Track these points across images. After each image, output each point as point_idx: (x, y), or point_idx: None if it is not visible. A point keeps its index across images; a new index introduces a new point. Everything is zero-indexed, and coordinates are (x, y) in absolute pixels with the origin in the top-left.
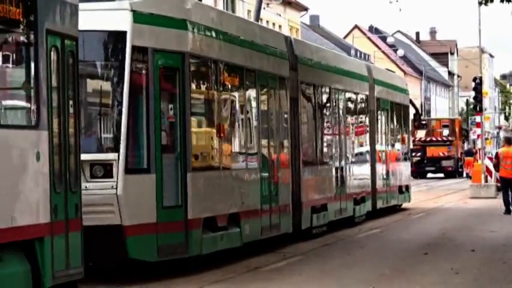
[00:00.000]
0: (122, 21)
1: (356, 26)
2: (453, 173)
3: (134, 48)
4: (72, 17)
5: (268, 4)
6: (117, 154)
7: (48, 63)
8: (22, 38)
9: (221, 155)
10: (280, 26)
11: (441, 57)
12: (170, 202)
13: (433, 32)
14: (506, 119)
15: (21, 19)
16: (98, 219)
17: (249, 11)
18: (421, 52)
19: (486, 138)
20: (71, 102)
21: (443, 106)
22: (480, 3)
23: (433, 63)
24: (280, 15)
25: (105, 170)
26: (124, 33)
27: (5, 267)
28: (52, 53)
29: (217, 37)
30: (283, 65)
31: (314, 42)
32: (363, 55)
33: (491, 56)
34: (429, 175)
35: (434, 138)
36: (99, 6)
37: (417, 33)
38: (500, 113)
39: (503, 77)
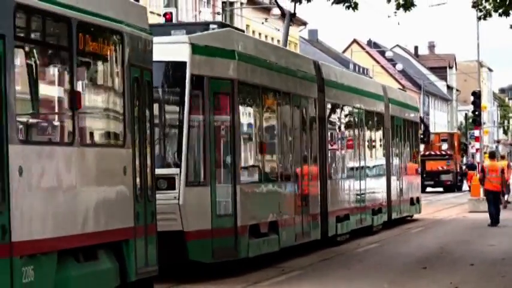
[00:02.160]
0: (182, 53)
1: (355, 41)
2: (452, 187)
3: (193, 77)
4: (147, 51)
5: (266, 19)
6: (179, 169)
7: (131, 92)
8: (111, 71)
9: (263, 170)
10: (278, 41)
11: (440, 71)
12: (222, 211)
13: (431, 46)
14: (505, 132)
15: (112, 55)
16: (163, 225)
17: (247, 26)
18: (419, 66)
19: (485, 152)
20: (147, 124)
21: (442, 120)
22: (479, 18)
23: (432, 77)
24: (278, 29)
25: (169, 183)
26: (184, 63)
27: (101, 264)
28: (134, 83)
29: (259, 64)
30: (312, 87)
31: (313, 56)
32: (361, 69)
33: (489, 70)
34: (428, 189)
35: (433, 152)
36: (164, 40)
37: (416, 48)
38: (499, 127)
39: (502, 91)
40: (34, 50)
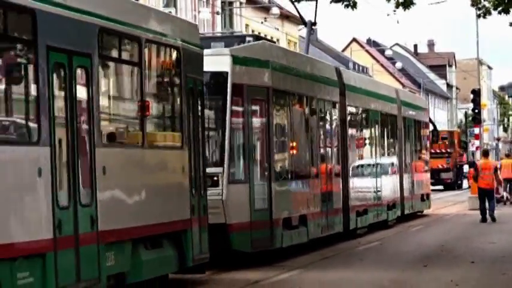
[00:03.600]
0: (224, 64)
1: (354, 39)
2: (452, 185)
3: (233, 85)
4: (199, 63)
5: (266, 18)
6: (222, 168)
7: (187, 100)
8: (173, 82)
9: (294, 168)
10: (278, 40)
11: (439, 70)
12: (259, 205)
13: (431, 45)
14: (505, 130)
15: (172, 68)
16: (208, 218)
17: (247, 25)
18: (419, 64)
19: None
20: (200, 128)
21: (441, 118)
22: (478, 16)
23: (432, 75)
24: (278, 29)
25: (213, 181)
26: (226, 73)
27: (165, 251)
28: (189, 92)
29: (289, 72)
30: (334, 92)
31: (312, 55)
32: (361, 68)
33: (489, 67)
34: None
35: (433, 151)
36: (208, 52)
37: (415, 46)
38: (498, 125)
39: (502, 88)
40: (113, 65)
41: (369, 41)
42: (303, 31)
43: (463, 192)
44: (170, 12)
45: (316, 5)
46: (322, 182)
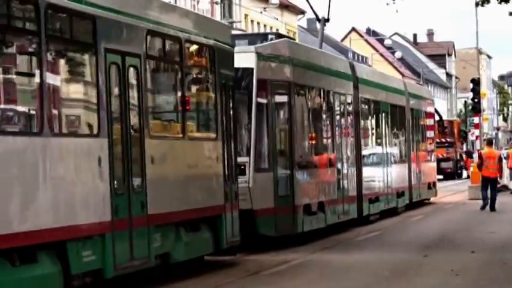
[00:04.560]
0: (250, 61)
1: (353, 29)
2: (452, 175)
3: (258, 80)
4: (230, 60)
5: (265, 8)
6: (248, 158)
7: (221, 95)
8: (208, 79)
9: (313, 157)
10: (277, 30)
11: (439, 59)
12: (282, 192)
13: (430, 34)
14: (505, 120)
15: (207, 65)
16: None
17: (246, 15)
18: (418, 54)
19: (484, 140)
20: (231, 121)
21: (441, 108)
22: (477, 4)
23: (431, 65)
24: (277, 18)
25: (240, 170)
26: (252, 69)
27: (202, 234)
28: (222, 88)
29: (308, 68)
30: (348, 85)
31: (311, 45)
32: (360, 58)
33: (489, 57)
34: None
35: None
36: (235, 50)
37: (414, 35)
38: (498, 114)
39: (501, 78)
40: (158, 64)
41: (368, 31)
42: (302, 21)
43: (463, 182)
44: (169, 1)
45: (330, 2)
46: (338, 171)
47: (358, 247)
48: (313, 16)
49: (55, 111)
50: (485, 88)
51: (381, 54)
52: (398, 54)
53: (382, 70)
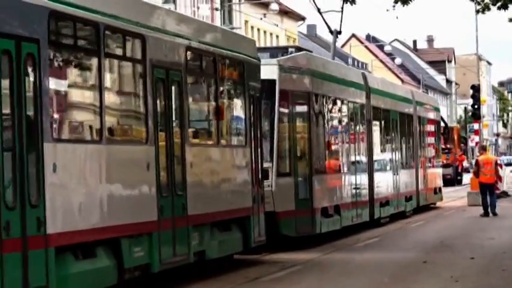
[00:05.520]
0: (273, 73)
1: (353, 35)
2: (452, 181)
3: (280, 91)
4: (257, 73)
5: (265, 14)
6: (271, 163)
7: (249, 107)
8: (238, 90)
9: (330, 162)
10: (277, 36)
11: (439, 65)
12: (302, 196)
13: (430, 40)
14: (505, 126)
15: (237, 78)
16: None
17: (246, 21)
18: (418, 60)
19: (481, 146)
20: (258, 129)
21: (441, 114)
22: (477, 11)
23: (431, 71)
24: (277, 25)
25: (264, 174)
26: (274, 81)
27: (233, 234)
28: (250, 98)
29: (326, 79)
30: (362, 95)
31: (313, 51)
32: (360, 64)
33: (488, 63)
34: None
35: None
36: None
37: (414, 42)
38: (498, 120)
39: (501, 84)
40: (196, 78)
41: (368, 37)
42: (303, 27)
43: (462, 188)
44: (170, 8)
45: (342, 15)
46: (352, 176)
47: (358, 253)
48: (313, 22)
49: (112, 122)
50: (485, 94)
51: (381, 61)
52: (398, 60)
53: (382, 76)
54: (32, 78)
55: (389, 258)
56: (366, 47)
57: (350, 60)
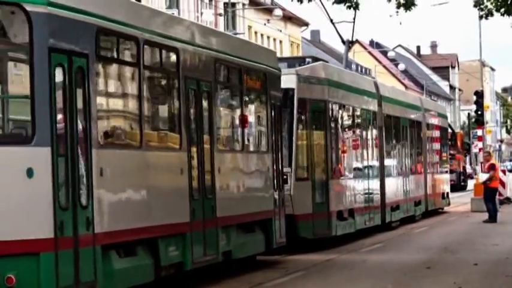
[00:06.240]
0: (291, 82)
1: (357, 41)
2: (455, 187)
3: (299, 99)
4: (278, 82)
5: (268, 20)
6: (290, 168)
7: (271, 115)
8: (261, 99)
9: (345, 168)
10: (281, 42)
11: (442, 71)
12: (319, 199)
13: (433, 46)
14: (508, 132)
15: (261, 88)
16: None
17: (249, 27)
18: (422, 66)
19: (486, 151)
20: (279, 136)
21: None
22: (481, 17)
23: (434, 77)
24: (281, 30)
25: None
26: (293, 89)
27: (256, 235)
28: (272, 107)
29: (341, 87)
30: (373, 103)
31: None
32: (364, 70)
33: (492, 69)
34: None
35: None
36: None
37: (418, 47)
38: (501, 127)
39: (505, 90)
40: (224, 88)
41: (371, 43)
42: (306, 33)
43: (466, 194)
44: (173, 13)
45: (354, 25)
46: (365, 181)
47: (362, 258)
48: (317, 28)
49: (150, 129)
50: (488, 100)
51: (384, 66)
52: (401, 66)
53: (385, 82)
54: (81, 90)
55: (393, 263)
56: (370, 52)
57: (353, 66)
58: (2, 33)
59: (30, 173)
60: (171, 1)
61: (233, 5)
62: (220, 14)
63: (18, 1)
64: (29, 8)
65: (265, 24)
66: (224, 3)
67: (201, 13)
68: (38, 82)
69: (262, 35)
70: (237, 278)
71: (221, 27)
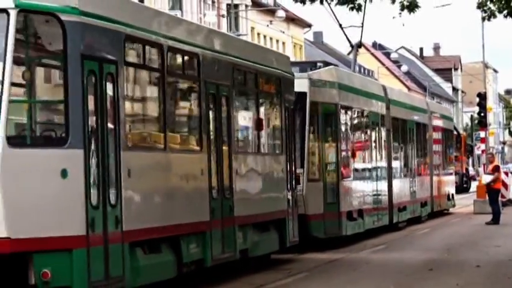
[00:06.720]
0: (304, 86)
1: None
2: (458, 188)
3: (311, 103)
4: (291, 86)
5: (271, 21)
6: (303, 169)
7: (285, 118)
8: (276, 103)
9: (354, 169)
10: (284, 43)
11: (445, 73)
12: (330, 199)
13: (436, 48)
14: (511, 134)
15: (275, 92)
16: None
17: (252, 28)
18: (424, 68)
19: (489, 153)
20: (292, 138)
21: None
22: (483, 19)
23: (437, 78)
24: (283, 32)
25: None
26: (305, 93)
27: (271, 234)
28: (286, 110)
29: (351, 91)
30: (382, 106)
31: (317, 58)
32: (366, 71)
33: (495, 71)
34: None
35: None
36: None
37: (421, 49)
38: (504, 128)
39: (508, 92)
40: (241, 93)
41: (374, 44)
42: (309, 34)
43: (468, 196)
44: (176, 14)
45: (362, 29)
46: (374, 182)
47: (365, 259)
48: (320, 29)
49: (173, 132)
50: (491, 102)
51: (387, 68)
52: (404, 68)
53: (388, 84)
54: (111, 94)
55: (395, 265)
56: (372, 54)
57: (356, 68)
58: (38, 41)
59: (64, 173)
60: (174, 2)
61: (236, 6)
62: (223, 15)
63: (53, 11)
64: (63, 17)
65: (267, 26)
66: (227, 5)
67: (204, 14)
68: (72, 88)
69: (265, 36)
70: (239, 279)
71: (224, 29)
